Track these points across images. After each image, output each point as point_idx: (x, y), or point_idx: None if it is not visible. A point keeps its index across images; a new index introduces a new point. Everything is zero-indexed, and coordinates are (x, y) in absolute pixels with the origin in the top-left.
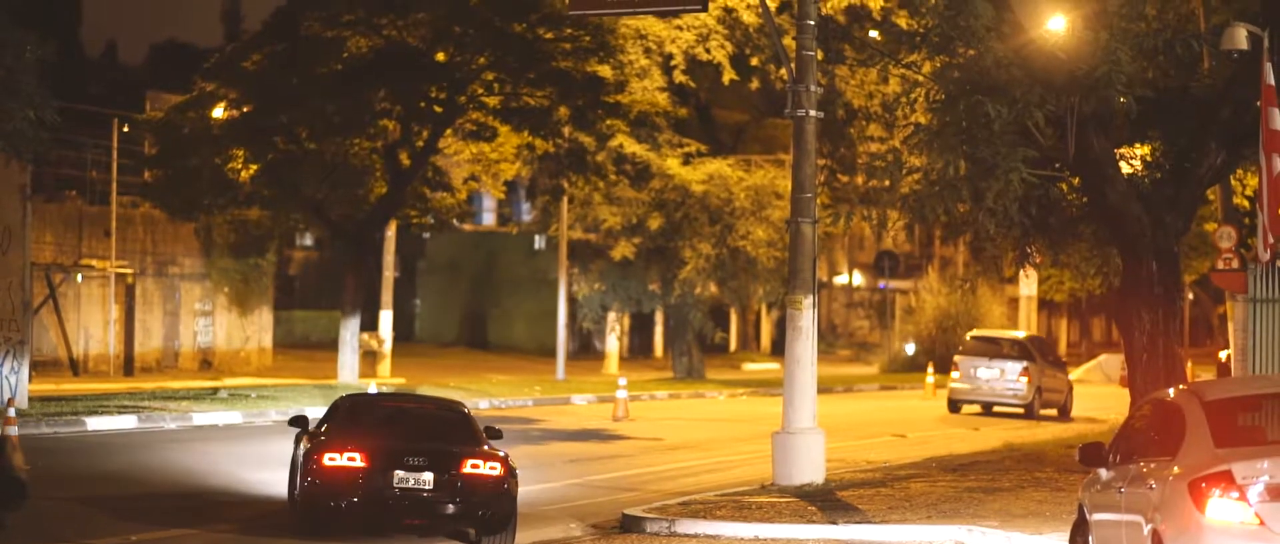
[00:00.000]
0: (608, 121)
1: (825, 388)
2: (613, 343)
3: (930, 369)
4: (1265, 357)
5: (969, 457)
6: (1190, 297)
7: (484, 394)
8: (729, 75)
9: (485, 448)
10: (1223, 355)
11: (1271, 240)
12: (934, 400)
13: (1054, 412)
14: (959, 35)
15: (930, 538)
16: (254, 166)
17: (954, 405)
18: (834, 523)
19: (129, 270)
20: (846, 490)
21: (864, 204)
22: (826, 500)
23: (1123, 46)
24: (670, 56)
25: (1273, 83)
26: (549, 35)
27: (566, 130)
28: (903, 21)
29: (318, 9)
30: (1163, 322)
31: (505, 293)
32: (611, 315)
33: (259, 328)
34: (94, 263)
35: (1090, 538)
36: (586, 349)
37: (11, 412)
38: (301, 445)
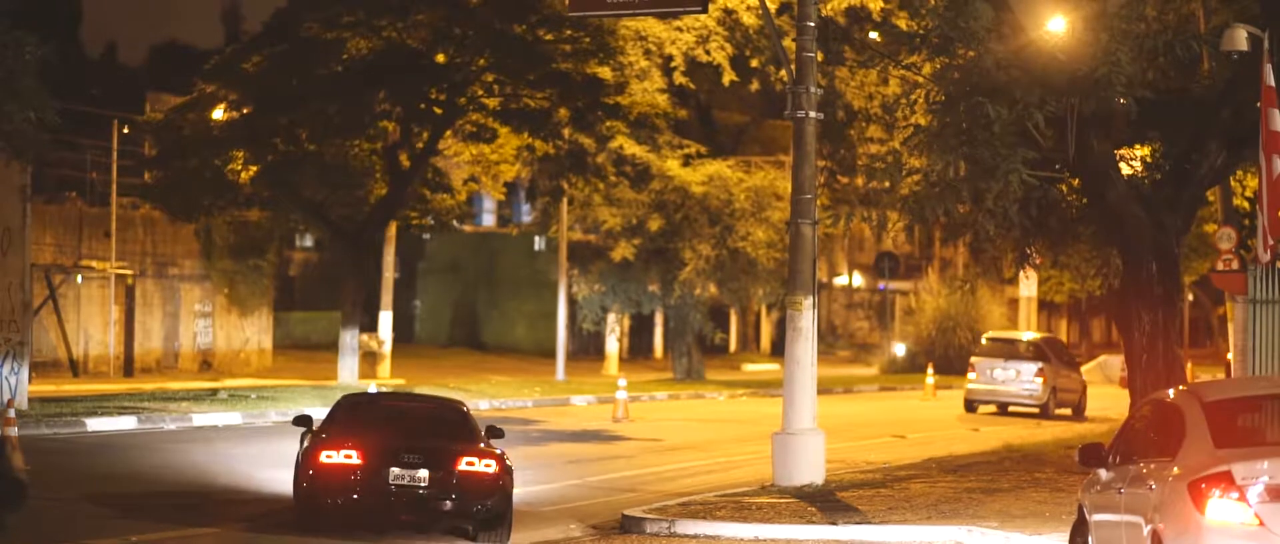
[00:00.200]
0: (608, 123)
1: (825, 389)
2: (613, 344)
3: (930, 370)
4: (1265, 358)
5: (969, 458)
6: (1190, 298)
7: (484, 395)
8: (729, 77)
9: (481, 446)
10: (1231, 356)
11: (1271, 241)
12: (934, 401)
13: (1068, 411)
14: (959, 36)
15: (930, 538)
16: (254, 168)
17: (970, 405)
18: (834, 523)
19: (129, 271)
20: (846, 491)
21: (864, 205)
22: (826, 501)
23: (1123, 48)
24: (670, 58)
25: (1273, 84)
26: (549, 37)
27: (566, 132)
28: (902, 23)
29: (318, 10)
30: (1163, 322)
31: (505, 294)
32: (611, 316)
33: (259, 329)
34: (94, 264)
35: (1090, 538)
36: (586, 350)
37: (11, 412)
38: (304, 444)
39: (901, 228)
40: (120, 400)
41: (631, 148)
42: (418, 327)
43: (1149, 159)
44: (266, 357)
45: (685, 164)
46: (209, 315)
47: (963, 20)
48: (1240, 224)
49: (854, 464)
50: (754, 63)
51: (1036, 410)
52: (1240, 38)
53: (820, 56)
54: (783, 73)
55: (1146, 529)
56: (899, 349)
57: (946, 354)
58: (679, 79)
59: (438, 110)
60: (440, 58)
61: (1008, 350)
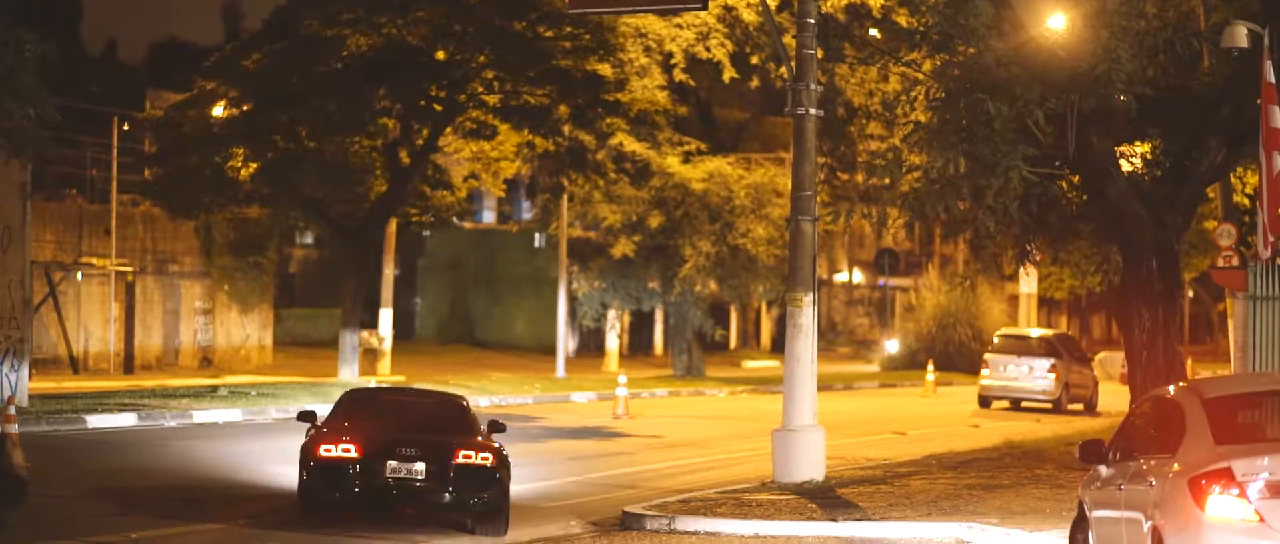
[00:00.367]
0: (608, 120)
1: (825, 385)
2: (613, 341)
3: (930, 366)
4: (1265, 354)
5: (969, 454)
6: (1190, 294)
7: (484, 392)
8: (729, 73)
9: (479, 439)
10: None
11: (1271, 238)
12: (934, 398)
13: (1080, 406)
14: (959, 33)
15: (930, 535)
16: (254, 165)
17: (984, 401)
18: (834, 520)
19: (129, 268)
20: (847, 487)
21: (864, 202)
22: (827, 497)
23: (1123, 44)
24: (670, 55)
25: (1273, 80)
26: (549, 33)
27: (566, 128)
28: (903, 19)
29: (318, 8)
30: (1163, 319)
31: (505, 291)
32: (611, 313)
33: (259, 326)
34: (94, 261)
35: (1090, 535)
36: (586, 347)
37: (12, 409)
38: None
39: (902, 225)
40: (120, 397)
41: (631, 145)
42: (418, 323)
43: (1149, 156)
44: (267, 354)
45: (685, 161)
46: (209, 312)
47: (963, 17)
48: (1240, 221)
49: (854, 461)
50: (754, 60)
51: (1050, 406)
52: (1240, 35)
53: (820, 53)
54: (783, 70)
55: (1147, 525)
56: (891, 346)
57: (947, 351)
58: (679, 76)
59: (438, 107)
60: (440, 55)
61: (1021, 347)
